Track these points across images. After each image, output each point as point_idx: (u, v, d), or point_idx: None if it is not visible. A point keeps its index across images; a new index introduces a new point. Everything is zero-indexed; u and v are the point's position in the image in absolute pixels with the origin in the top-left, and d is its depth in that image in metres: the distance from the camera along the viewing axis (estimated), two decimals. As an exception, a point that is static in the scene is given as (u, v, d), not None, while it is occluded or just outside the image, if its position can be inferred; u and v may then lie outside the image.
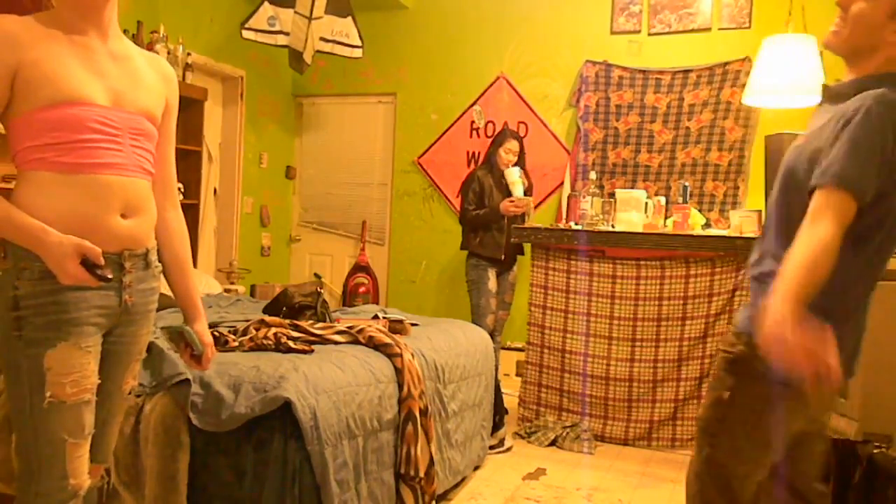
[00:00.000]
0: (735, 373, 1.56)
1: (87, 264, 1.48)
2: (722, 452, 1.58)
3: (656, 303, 3.87)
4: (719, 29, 4.88)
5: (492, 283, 4.39)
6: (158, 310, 1.77)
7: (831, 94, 1.60)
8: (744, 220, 3.77)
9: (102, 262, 1.51)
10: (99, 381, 1.60)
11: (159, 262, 1.73)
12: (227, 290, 4.60)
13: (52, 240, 1.46)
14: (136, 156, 1.61)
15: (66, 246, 1.46)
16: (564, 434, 3.87)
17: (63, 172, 1.51)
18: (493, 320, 4.37)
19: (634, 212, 3.96)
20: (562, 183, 5.24)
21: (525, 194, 4.36)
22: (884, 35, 1.51)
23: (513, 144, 4.44)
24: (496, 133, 4.81)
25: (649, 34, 5.06)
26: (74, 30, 1.55)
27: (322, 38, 5.01)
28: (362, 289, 5.76)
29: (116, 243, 1.57)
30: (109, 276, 1.53)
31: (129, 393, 1.77)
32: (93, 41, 1.58)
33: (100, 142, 1.54)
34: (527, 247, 4.23)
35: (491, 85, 5.49)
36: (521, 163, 4.48)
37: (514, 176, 4.33)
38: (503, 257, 4.38)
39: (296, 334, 2.66)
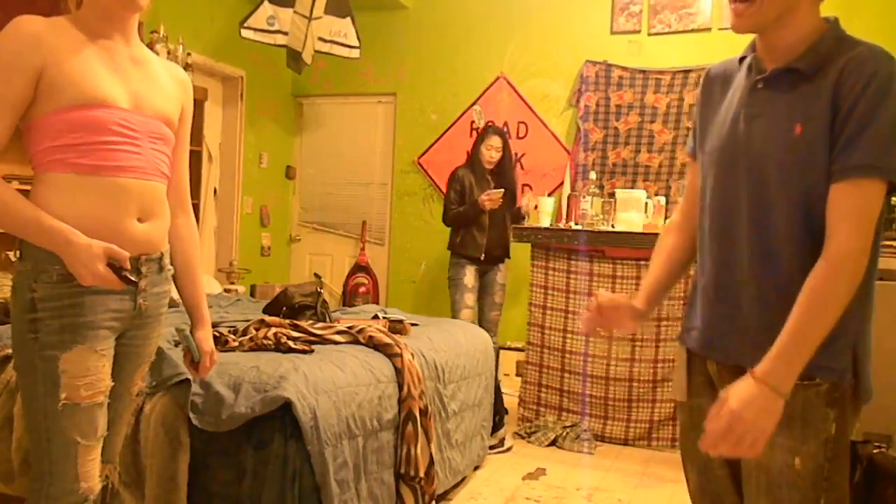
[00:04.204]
0: (835, 403, 1.31)
1: (114, 267, 1.49)
2: (838, 491, 1.34)
3: (656, 303, 3.86)
4: (719, 29, 4.87)
5: (468, 279, 4.39)
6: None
7: (778, 76, 1.33)
8: (744, 220, 3.76)
9: (129, 266, 1.52)
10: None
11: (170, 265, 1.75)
12: (227, 290, 4.60)
13: (81, 241, 1.46)
14: (155, 159, 1.63)
15: (96, 248, 1.46)
16: (564, 434, 3.87)
17: (82, 174, 1.51)
18: (471, 316, 4.37)
19: (634, 212, 3.95)
20: (562, 183, 5.24)
21: (502, 188, 4.32)
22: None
23: (495, 140, 4.42)
24: (481, 129, 4.79)
25: (649, 34, 5.06)
26: (99, 34, 1.57)
27: (320, 38, 5.01)
28: (362, 289, 5.76)
29: (133, 247, 1.57)
30: (135, 280, 1.54)
31: (137, 395, 1.78)
32: (116, 45, 1.59)
33: (120, 144, 1.55)
34: (526, 247, 4.22)
35: (491, 85, 5.49)
36: (506, 157, 4.45)
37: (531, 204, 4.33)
38: (482, 257, 4.37)
39: (296, 334, 2.66)
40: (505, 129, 4.95)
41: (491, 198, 4.25)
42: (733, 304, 1.38)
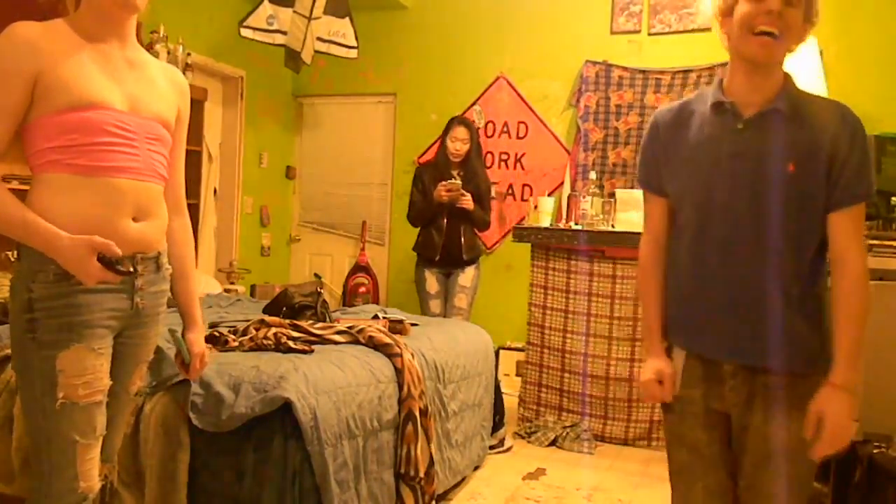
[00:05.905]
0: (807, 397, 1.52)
1: (105, 261, 1.49)
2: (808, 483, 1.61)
3: (656, 303, 3.86)
4: (719, 29, 4.86)
5: (430, 285, 4.30)
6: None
7: (762, 116, 1.55)
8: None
9: (119, 253, 1.52)
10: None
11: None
12: (227, 290, 4.60)
13: (64, 243, 1.47)
14: (152, 160, 1.64)
15: (80, 247, 1.47)
16: (564, 434, 3.87)
17: (77, 174, 1.52)
18: None
19: (634, 212, 3.95)
20: (562, 183, 5.24)
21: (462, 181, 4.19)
22: (801, 36, 1.54)
23: (460, 132, 4.24)
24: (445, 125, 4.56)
25: (649, 34, 5.06)
26: (95, 37, 1.58)
27: (318, 38, 5.01)
28: (362, 289, 5.75)
29: (128, 246, 1.58)
30: (130, 270, 1.55)
31: (136, 394, 1.78)
32: (111, 48, 1.60)
33: (116, 145, 1.56)
34: (525, 247, 4.22)
35: (491, 85, 5.49)
36: (473, 149, 4.27)
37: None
38: (438, 258, 4.25)
39: (296, 334, 2.66)
40: (473, 121, 4.77)
41: (448, 188, 4.09)
42: (752, 315, 1.55)
